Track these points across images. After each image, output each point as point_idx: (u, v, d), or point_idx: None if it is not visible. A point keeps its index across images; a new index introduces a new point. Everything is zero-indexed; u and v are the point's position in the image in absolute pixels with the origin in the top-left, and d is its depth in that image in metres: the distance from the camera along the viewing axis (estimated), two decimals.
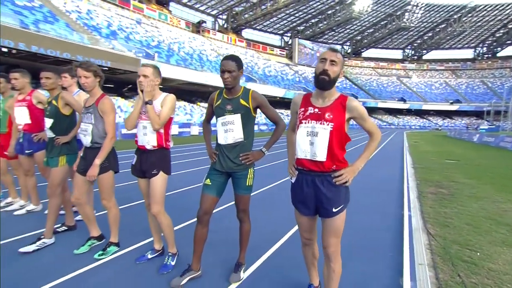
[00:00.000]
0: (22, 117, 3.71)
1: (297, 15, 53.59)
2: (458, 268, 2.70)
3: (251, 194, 2.54)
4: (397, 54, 72.27)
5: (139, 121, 2.61)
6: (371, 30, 62.16)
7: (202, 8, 46.79)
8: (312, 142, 1.85)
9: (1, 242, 3.06)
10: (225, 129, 2.36)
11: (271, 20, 52.65)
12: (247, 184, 2.40)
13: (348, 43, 67.58)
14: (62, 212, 3.64)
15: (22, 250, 2.90)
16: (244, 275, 2.53)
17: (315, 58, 58.39)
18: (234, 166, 2.36)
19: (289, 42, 59.17)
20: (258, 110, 2.44)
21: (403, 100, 58.43)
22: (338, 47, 67.21)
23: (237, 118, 2.34)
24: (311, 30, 57.69)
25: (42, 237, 3.08)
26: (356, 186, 6.19)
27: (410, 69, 70.77)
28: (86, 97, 3.15)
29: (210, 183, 2.39)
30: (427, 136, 28.85)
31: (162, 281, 2.43)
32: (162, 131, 2.61)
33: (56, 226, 3.31)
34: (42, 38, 17.35)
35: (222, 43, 45.93)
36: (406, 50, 71.83)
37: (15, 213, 4.06)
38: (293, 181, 2.01)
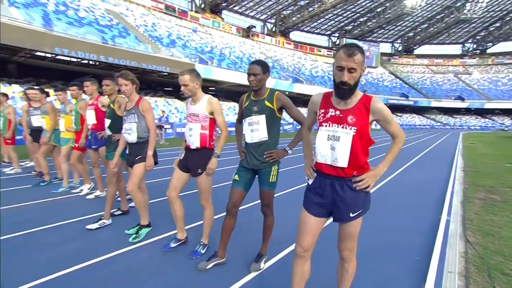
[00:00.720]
0: (90, 118, 4.25)
1: (344, 15, 51.46)
2: (495, 281, 2.46)
3: (278, 193, 2.61)
4: (455, 49, 64.80)
5: (186, 123, 2.83)
6: (425, 26, 56.79)
7: (251, 14, 47.46)
8: (334, 147, 1.70)
9: (76, 219, 3.55)
10: (251, 128, 2.49)
11: (319, 21, 51.36)
12: (270, 180, 2.50)
13: (399, 41, 62.76)
14: (119, 198, 4.09)
15: (88, 227, 3.41)
16: (264, 265, 2.63)
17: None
18: (259, 163, 2.47)
19: (337, 43, 57.14)
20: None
21: (460, 98, 52.63)
22: (388, 45, 63.03)
23: (262, 118, 2.45)
24: (359, 29, 54.93)
25: (102, 218, 3.53)
26: (394, 185, 5.87)
27: (470, 65, 62.93)
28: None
29: (238, 179, 2.55)
30: (488, 137, 25.76)
31: (191, 265, 2.62)
32: (207, 132, 2.77)
33: (113, 210, 3.74)
34: (117, 51, 19.26)
35: (270, 46, 46.11)
36: (466, 45, 63.92)
37: (87, 197, 4.66)
38: (310, 182, 1.87)
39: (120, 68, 20.86)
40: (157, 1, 34.34)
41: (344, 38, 54.41)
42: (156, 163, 3.25)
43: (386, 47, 62.64)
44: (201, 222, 3.02)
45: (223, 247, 2.65)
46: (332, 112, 1.73)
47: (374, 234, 3.37)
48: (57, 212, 3.95)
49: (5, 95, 6.85)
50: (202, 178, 2.78)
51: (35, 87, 6.38)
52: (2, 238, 3.12)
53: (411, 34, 60.11)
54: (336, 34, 57.17)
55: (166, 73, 22.74)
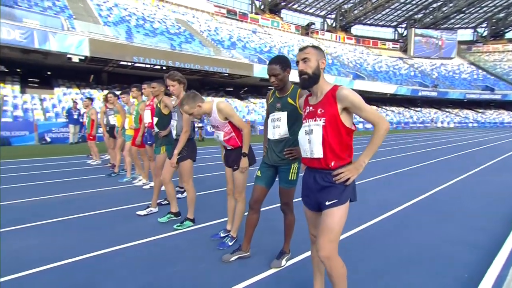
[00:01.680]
0: (147, 117, 4.68)
1: (413, 2, 46.28)
2: None
3: None
4: None
5: (214, 131, 2.97)
6: None
7: (311, 11, 46.23)
8: (309, 140, 1.75)
9: (131, 205, 3.98)
10: (273, 125, 2.47)
11: (383, 12, 47.37)
12: (289, 178, 2.45)
13: (484, 24, 53.75)
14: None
15: (138, 213, 3.78)
16: (285, 263, 2.59)
17: (437, 48, 49.51)
18: (278, 160, 2.45)
19: (404, 34, 52.05)
20: None
21: None
22: (469, 31, 54.80)
23: (283, 115, 2.41)
24: (431, 16, 48.89)
25: (150, 206, 3.89)
26: (459, 190, 5.17)
27: None
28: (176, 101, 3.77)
29: (260, 175, 2.56)
30: None
31: (218, 255, 2.73)
32: (232, 135, 2.87)
33: (160, 200, 4.09)
34: (183, 55, 20.80)
35: (330, 42, 44.39)
36: None
37: (144, 187, 5.18)
38: (302, 175, 1.94)
39: (185, 71, 22.49)
40: (219, 6, 35.98)
41: (413, 29, 49.25)
42: (193, 160, 3.43)
43: (465, 34, 54.62)
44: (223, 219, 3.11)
45: (247, 242, 2.69)
46: (307, 109, 1.82)
47: (418, 243, 3.05)
48: (118, 198, 4.50)
49: (91, 99, 8.01)
50: (237, 173, 2.88)
51: (113, 91, 7.33)
52: (75, 216, 3.70)
53: (501, 15, 50.69)
54: (404, 25, 52.06)
55: (227, 74, 23.70)
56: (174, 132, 3.42)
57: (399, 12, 48.63)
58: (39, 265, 2.52)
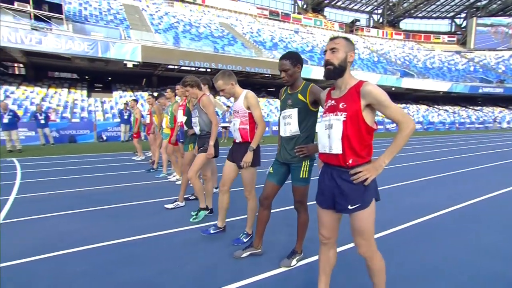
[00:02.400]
0: (180, 116, 4.90)
1: None
2: None
3: None
4: None
5: (232, 118, 2.97)
6: None
7: (356, 7, 44.17)
8: (329, 134, 1.68)
9: (162, 199, 4.20)
10: (285, 122, 2.41)
11: (438, 3, 43.22)
12: (301, 176, 2.37)
13: None
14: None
15: (166, 206, 3.98)
16: (296, 263, 2.51)
17: (506, 37, 43.42)
18: (290, 157, 2.38)
19: (463, 25, 46.89)
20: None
21: None
22: None
23: (294, 112, 2.34)
24: (499, 1, 43.00)
25: (177, 200, 4.06)
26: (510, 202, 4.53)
27: None
28: (213, 99, 3.87)
29: (272, 172, 2.51)
30: None
31: (230, 251, 2.75)
32: (246, 127, 2.82)
33: (188, 195, 4.25)
34: (225, 57, 21.38)
35: (376, 39, 41.96)
36: None
37: (177, 182, 5.43)
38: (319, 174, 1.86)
39: None
40: (262, 8, 36.24)
41: (474, 18, 44.01)
42: (216, 156, 3.51)
43: None
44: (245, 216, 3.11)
45: (258, 238, 2.66)
46: (329, 103, 1.75)
47: (449, 253, 2.74)
48: (152, 192, 4.79)
49: (135, 100, 8.65)
50: (244, 170, 2.83)
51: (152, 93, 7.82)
52: (112, 206, 4.03)
53: None
54: (463, 15, 46.88)
55: (268, 75, 23.80)
56: (197, 129, 3.53)
57: (457, 1, 43.86)
58: (75, 246, 2.80)
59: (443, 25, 48.57)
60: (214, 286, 2.18)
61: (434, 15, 46.75)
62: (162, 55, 18.93)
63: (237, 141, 2.91)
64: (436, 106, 34.64)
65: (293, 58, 2.32)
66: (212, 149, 3.35)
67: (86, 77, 23.98)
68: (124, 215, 3.73)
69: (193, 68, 21.23)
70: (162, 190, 4.92)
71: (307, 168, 2.37)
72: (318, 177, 1.85)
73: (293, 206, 2.50)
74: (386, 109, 1.58)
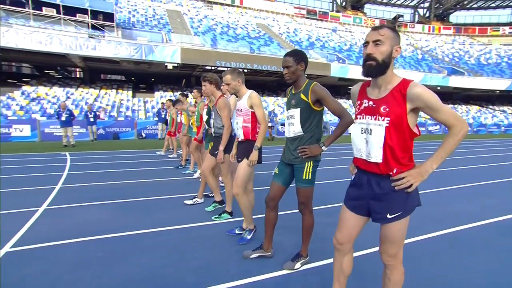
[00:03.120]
0: (204, 115, 5.05)
1: None
2: None
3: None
4: None
5: (235, 117, 2.99)
6: None
7: (399, 2, 41.54)
8: (367, 140, 1.51)
9: (184, 194, 4.38)
10: (288, 122, 2.38)
11: None
12: (304, 177, 2.31)
13: None
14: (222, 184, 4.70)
15: (185, 201, 4.13)
16: (300, 266, 2.45)
17: None
18: (293, 158, 2.34)
19: None
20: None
21: None
22: None
23: (297, 112, 2.29)
24: None
25: (196, 196, 4.20)
26: None
27: None
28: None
29: (277, 172, 2.47)
30: None
31: (239, 249, 2.77)
32: (249, 125, 2.86)
33: (207, 192, 4.37)
34: (261, 58, 21.52)
35: (421, 35, 39.07)
36: None
37: (200, 180, 5.60)
38: (352, 178, 1.71)
39: (263, 73, 23.22)
40: (299, 7, 35.75)
41: None
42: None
43: None
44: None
45: (267, 241, 2.61)
46: (366, 103, 1.54)
47: (476, 271, 2.49)
48: (176, 188, 5.01)
49: (171, 100, 9.08)
50: (240, 164, 2.86)
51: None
52: (137, 199, 4.30)
53: None
54: None
55: (306, 75, 23.42)
56: (211, 130, 3.61)
57: None
58: (98, 234, 3.04)
59: (504, 15, 43.42)
60: (212, 282, 2.21)
61: (493, 5, 41.93)
62: (199, 57, 19.61)
63: (240, 139, 2.94)
64: (490, 107, 31.29)
65: (297, 56, 2.27)
66: (221, 154, 3.31)
67: (132, 78, 25.74)
68: (147, 208, 3.95)
69: (229, 69, 21.69)
70: (185, 186, 5.11)
71: (310, 169, 2.30)
72: (350, 180, 1.72)
73: (276, 202, 2.45)
74: (438, 113, 1.40)
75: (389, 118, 1.42)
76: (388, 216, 1.49)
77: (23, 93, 16.83)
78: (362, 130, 1.53)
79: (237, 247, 2.83)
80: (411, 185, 1.45)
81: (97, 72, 23.78)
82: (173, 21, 25.84)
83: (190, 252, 2.71)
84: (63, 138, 10.97)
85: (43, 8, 17.75)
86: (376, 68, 1.44)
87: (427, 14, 41.59)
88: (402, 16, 40.52)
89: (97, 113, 14.02)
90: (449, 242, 3.01)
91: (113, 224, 3.34)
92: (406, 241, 2.97)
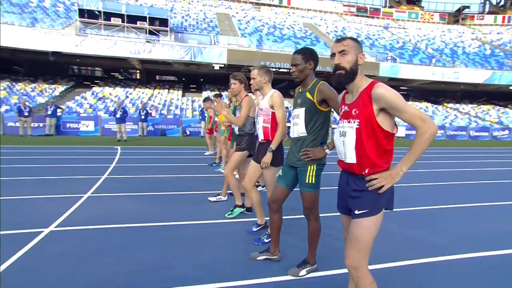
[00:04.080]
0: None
1: None
2: None
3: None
4: None
5: (257, 116, 2.98)
6: None
7: None
8: (344, 142, 1.58)
9: (210, 191, 4.52)
10: (293, 122, 2.28)
11: None
12: (306, 181, 2.20)
13: None
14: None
15: (209, 198, 4.26)
16: (305, 273, 2.35)
17: None
18: (296, 160, 2.24)
19: None
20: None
21: None
22: None
23: (302, 112, 2.20)
24: None
25: (220, 194, 4.30)
26: None
27: None
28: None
29: (281, 174, 2.40)
30: None
31: (251, 249, 2.76)
32: (268, 126, 2.83)
33: (231, 191, 4.44)
34: None
35: (491, 27, 34.36)
36: None
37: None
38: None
39: None
40: (349, 5, 34.17)
41: None
42: (250, 155, 3.53)
43: None
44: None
45: (274, 244, 2.56)
46: (343, 108, 1.64)
47: None
48: (204, 184, 5.18)
49: (209, 99, 9.43)
50: (265, 171, 2.80)
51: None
52: (166, 193, 4.55)
53: None
54: None
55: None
56: (236, 128, 3.67)
57: None
58: (124, 222, 3.29)
59: None
60: (213, 280, 2.24)
61: None
62: (245, 57, 19.99)
63: (259, 139, 2.91)
64: None
65: (307, 54, 2.18)
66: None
67: (183, 79, 27.29)
68: (173, 202, 4.16)
69: (274, 69, 21.74)
70: (214, 184, 5.26)
71: (314, 173, 2.18)
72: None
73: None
74: (402, 114, 1.42)
75: (358, 120, 1.49)
76: (356, 212, 1.52)
77: (93, 93, 19.00)
78: (340, 134, 1.61)
79: (247, 247, 2.81)
80: (382, 186, 1.47)
81: (152, 74, 25.73)
82: (222, 23, 26.71)
83: (201, 247, 2.79)
84: (117, 133, 12.14)
85: (111, 18, 19.83)
86: (345, 76, 1.53)
87: (502, 2, 36.36)
88: (468, 7, 36.17)
89: (149, 111, 15.17)
90: (490, 265, 2.62)
91: (140, 215, 3.59)
92: (441, 258, 2.68)
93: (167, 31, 20.91)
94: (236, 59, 19.85)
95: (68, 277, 2.21)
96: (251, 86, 2.91)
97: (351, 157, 1.54)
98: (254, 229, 3.20)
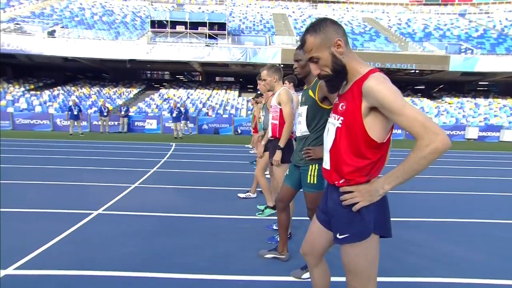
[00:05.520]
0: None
1: None
2: None
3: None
4: None
5: (268, 113, 3.02)
6: None
7: None
8: (325, 141, 1.32)
9: (242, 188, 4.66)
10: (298, 120, 2.25)
11: None
12: (308, 180, 2.13)
13: None
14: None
15: (239, 195, 4.40)
16: (308, 277, 2.27)
17: None
18: (298, 159, 2.21)
19: None
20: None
21: None
22: None
23: (304, 110, 2.16)
24: None
25: (249, 191, 4.41)
26: None
27: None
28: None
29: (288, 173, 2.38)
30: None
31: (264, 247, 2.79)
32: (276, 122, 2.83)
33: (260, 188, 4.51)
34: (362, 55, 19.83)
35: None
36: None
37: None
38: None
39: None
40: None
41: None
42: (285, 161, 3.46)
43: None
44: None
45: (281, 244, 2.55)
46: (336, 99, 1.33)
47: None
48: (239, 181, 5.35)
49: (258, 97, 9.59)
50: (274, 168, 2.82)
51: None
52: (201, 187, 4.84)
53: None
54: None
55: (414, 71, 20.40)
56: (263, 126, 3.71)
57: None
58: (155, 211, 3.63)
59: None
60: (218, 271, 2.33)
61: None
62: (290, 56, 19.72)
63: (269, 136, 2.93)
64: None
65: None
66: (261, 149, 3.43)
67: (240, 79, 28.25)
68: (206, 196, 4.41)
69: (267, 65, 21.07)
70: (251, 180, 5.37)
71: (315, 173, 2.10)
72: None
73: (285, 204, 2.31)
74: (396, 117, 1.05)
75: (342, 118, 1.19)
76: (338, 236, 1.23)
77: (159, 95, 21.08)
78: (326, 130, 1.32)
79: (259, 245, 2.83)
80: (357, 203, 1.15)
81: (212, 75, 27.25)
82: (278, 24, 26.80)
83: (218, 240, 2.92)
84: (174, 131, 13.22)
85: (177, 26, 21.68)
86: (335, 81, 1.22)
87: None
88: None
89: (184, 109, 15.12)
90: None
91: (174, 206, 3.91)
92: (481, 280, 2.32)
93: (225, 34, 21.90)
94: (290, 58, 19.38)
95: (100, 252, 2.57)
96: (262, 88, 2.92)
97: (326, 162, 1.29)
98: (275, 227, 3.20)
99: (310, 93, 2.10)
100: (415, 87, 25.40)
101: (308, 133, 2.13)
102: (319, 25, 1.18)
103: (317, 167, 2.11)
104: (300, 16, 28.75)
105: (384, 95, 1.05)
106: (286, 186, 2.35)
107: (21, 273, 2.21)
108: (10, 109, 16.78)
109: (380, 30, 24.95)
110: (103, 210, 3.63)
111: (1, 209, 3.51)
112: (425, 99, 22.24)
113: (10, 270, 2.24)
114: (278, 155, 2.70)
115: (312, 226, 1.46)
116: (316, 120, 2.09)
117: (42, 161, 6.66)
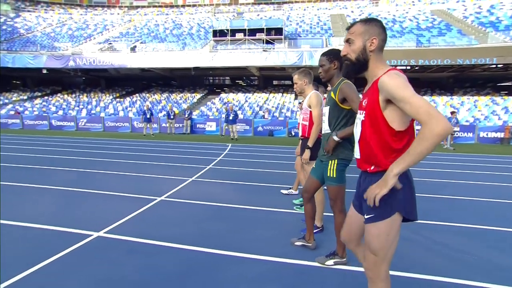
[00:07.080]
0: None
1: None
2: None
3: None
4: None
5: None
6: None
7: None
8: (355, 134, 1.52)
9: (286, 185, 4.96)
10: (324, 119, 2.49)
11: None
12: (328, 174, 2.37)
13: None
14: None
15: (281, 191, 4.70)
16: (332, 264, 2.45)
17: None
18: (321, 154, 2.46)
19: None
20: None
21: None
22: None
23: (327, 110, 2.41)
24: None
25: (291, 188, 4.66)
26: None
27: None
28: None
29: (314, 167, 2.61)
30: None
31: (297, 236, 3.04)
32: (306, 123, 3.11)
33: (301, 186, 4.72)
34: (429, 52, 18.22)
35: None
36: None
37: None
38: None
39: (432, 69, 19.42)
40: None
41: None
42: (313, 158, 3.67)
43: None
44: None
45: (308, 231, 2.74)
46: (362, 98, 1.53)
47: None
48: (284, 178, 5.63)
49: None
50: (305, 166, 3.04)
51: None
52: (246, 183, 5.26)
53: None
54: None
55: (495, 65, 17.76)
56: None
57: None
58: (206, 200, 4.16)
59: None
60: (246, 251, 2.67)
61: None
62: None
63: (300, 136, 3.18)
64: None
65: (331, 55, 2.35)
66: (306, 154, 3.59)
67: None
68: (253, 191, 4.81)
69: (299, 69, 19.89)
70: (294, 179, 5.62)
71: (335, 167, 2.31)
72: None
73: (310, 195, 2.56)
74: (405, 105, 1.20)
75: (365, 112, 1.38)
76: (365, 216, 1.39)
77: (220, 99, 22.59)
78: (355, 125, 1.52)
79: (294, 234, 3.06)
80: (375, 196, 1.27)
81: (269, 79, 27.94)
82: (335, 25, 26.12)
83: (255, 227, 3.27)
84: (230, 133, 14.08)
85: (236, 34, 22.98)
86: (351, 67, 1.42)
87: None
88: None
89: (237, 112, 15.47)
90: None
91: (223, 197, 4.40)
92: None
93: (281, 39, 22.33)
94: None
95: (161, 229, 3.16)
96: (295, 90, 3.16)
97: (356, 152, 1.47)
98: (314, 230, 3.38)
99: (332, 94, 2.32)
100: (498, 84, 21.91)
101: (330, 131, 2.33)
102: (370, 20, 1.42)
103: (336, 162, 2.31)
104: (360, 15, 27.48)
105: (393, 86, 1.23)
106: (311, 178, 2.58)
107: (107, 236, 2.93)
108: (102, 114, 20.14)
109: (452, 23, 22.30)
110: (165, 197, 4.33)
111: (92, 191, 4.49)
112: (510, 97, 19.06)
113: (102, 233, 2.99)
114: (306, 154, 2.93)
115: (349, 213, 1.64)
116: (336, 119, 2.30)
117: (121, 157, 8.00)
